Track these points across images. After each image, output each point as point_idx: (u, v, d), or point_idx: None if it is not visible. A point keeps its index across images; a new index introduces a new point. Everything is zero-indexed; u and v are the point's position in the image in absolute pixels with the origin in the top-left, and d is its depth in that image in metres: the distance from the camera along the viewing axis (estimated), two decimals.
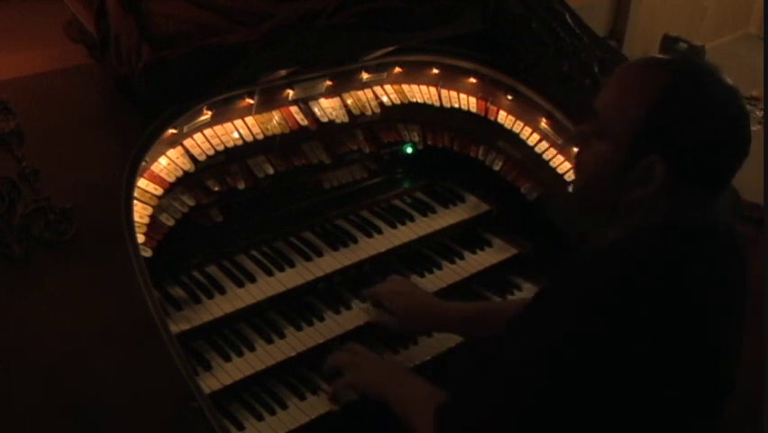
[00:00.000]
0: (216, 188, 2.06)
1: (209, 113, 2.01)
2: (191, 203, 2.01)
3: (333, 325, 2.07)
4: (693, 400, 1.48)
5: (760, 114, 6.00)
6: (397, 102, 2.38)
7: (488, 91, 2.48)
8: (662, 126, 1.46)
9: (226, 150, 2.05)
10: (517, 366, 1.46)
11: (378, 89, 2.36)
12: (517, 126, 2.45)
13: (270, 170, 2.15)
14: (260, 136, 2.10)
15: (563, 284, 1.51)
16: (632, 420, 1.43)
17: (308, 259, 2.16)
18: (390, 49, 2.30)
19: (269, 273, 2.09)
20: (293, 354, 1.97)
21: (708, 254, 1.50)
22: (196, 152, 2.00)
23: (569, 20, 2.60)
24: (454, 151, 2.51)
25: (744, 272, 1.57)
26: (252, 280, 2.06)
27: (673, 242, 1.47)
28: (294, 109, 2.19)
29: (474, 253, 2.41)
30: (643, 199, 1.48)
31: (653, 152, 1.45)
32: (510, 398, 1.44)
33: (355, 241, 2.25)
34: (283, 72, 2.11)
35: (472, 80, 2.48)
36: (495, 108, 2.48)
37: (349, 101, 2.29)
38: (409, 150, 2.48)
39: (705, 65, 1.54)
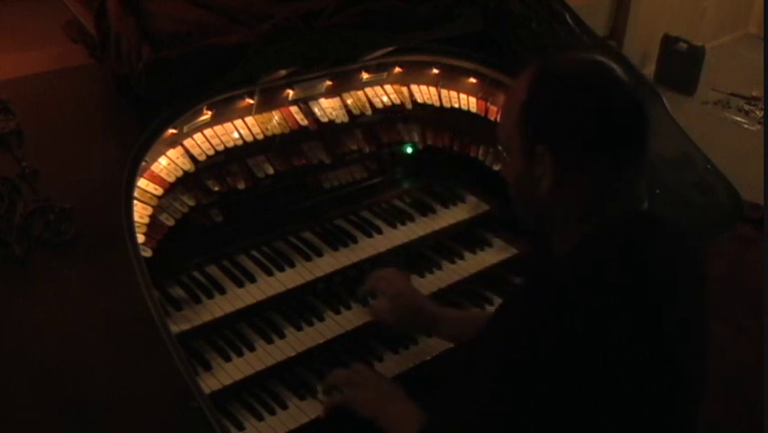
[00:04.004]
0: (216, 188, 2.06)
1: (209, 113, 2.01)
2: (191, 203, 2.01)
3: (333, 325, 2.07)
4: (663, 404, 1.46)
5: (760, 114, 6.01)
6: (397, 102, 2.39)
7: (488, 91, 2.48)
8: (535, 116, 1.49)
9: (226, 150, 2.05)
10: (486, 382, 1.45)
11: (378, 89, 2.36)
12: None
13: (270, 170, 2.15)
14: (260, 136, 2.10)
15: (524, 297, 1.51)
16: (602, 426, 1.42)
17: (308, 259, 2.16)
18: (390, 49, 2.30)
19: (269, 273, 2.09)
20: (293, 354, 1.97)
21: (658, 251, 1.50)
22: (196, 151, 2.00)
23: (569, 20, 2.60)
24: (454, 151, 2.51)
25: (695, 262, 1.57)
26: (252, 280, 2.06)
27: (624, 244, 1.46)
28: (294, 109, 2.19)
29: (474, 253, 2.41)
30: (551, 193, 1.49)
31: (537, 143, 1.48)
32: (484, 416, 1.43)
33: (355, 241, 2.25)
34: (283, 72, 2.11)
35: (472, 80, 2.48)
36: (495, 108, 2.48)
37: (349, 101, 2.29)
38: (409, 150, 2.48)
39: (577, 52, 1.57)
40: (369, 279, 2.08)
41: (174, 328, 1.84)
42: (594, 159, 1.48)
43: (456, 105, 2.47)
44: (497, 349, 1.46)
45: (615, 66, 1.51)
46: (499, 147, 1.61)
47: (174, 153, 1.98)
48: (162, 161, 1.95)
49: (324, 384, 1.91)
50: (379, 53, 2.29)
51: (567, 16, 2.61)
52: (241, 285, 2.05)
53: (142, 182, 1.90)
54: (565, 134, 1.47)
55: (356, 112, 2.29)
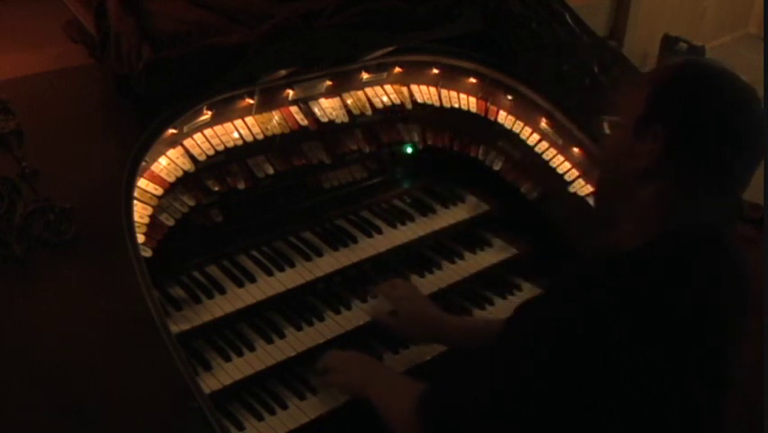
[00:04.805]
0: (216, 188, 2.06)
1: (209, 113, 2.01)
2: (191, 203, 2.01)
3: (333, 325, 2.07)
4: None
5: None
6: (397, 102, 2.39)
7: (488, 91, 2.48)
8: (666, 97, 1.50)
9: (226, 150, 2.05)
10: (510, 362, 1.47)
11: (378, 89, 2.36)
12: (517, 126, 2.45)
13: (270, 170, 2.15)
14: (260, 136, 2.10)
15: (567, 287, 1.51)
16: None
17: (308, 259, 2.16)
18: (390, 49, 2.30)
19: (269, 273, 2.09)
20: (293, 354, 1.97)
21: (710, 271, 1.49)
22: (196, 151, 2.00)
23: (569, 20, 2.60)
24: (454, 151, 2.51)
25: (743, 287, 1.57)
26: (252, 280, 2.06)
27: (679, 256, 1.47)
28: (294, 109, 2.19)
29: (474, 253, 2.41)
30: (645, 175, 1.49)
31: (656, 122, 1.48)
32: (498, 388, 1.46)
33: (355, 241, 2.25)
34: (283, 72, 2.11)
35: (472, 80, 2.48)
36: (495, 108, 2.48)
37: (349, 101, 2.29)
38: (409, 150, 2.48)
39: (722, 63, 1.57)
40: (386, 294, 2.10)
41: (174, 328, 1.84)
42: (702, 160, 1.47)
43: (456, 106, 2.47)
44: (519, 348, 1.47)
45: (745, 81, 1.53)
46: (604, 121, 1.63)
47: (174, 153, 1.98)
48: (162, 161, 1.96)
49: (317, 368, 1.94)
50: (379, 53, 2.29)
51: (567, 16, 2.61)
52: (241, 285, 2.05)
53: (142, 182, 1.90)
54: (686, 127, 1.47)
55: (356, 112, 2.29)
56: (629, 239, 1.52)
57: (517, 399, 1.43)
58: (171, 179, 1.95)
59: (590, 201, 2.37)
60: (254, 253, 2.16)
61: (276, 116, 2.15)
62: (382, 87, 2.37)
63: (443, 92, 2.47)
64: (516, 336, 1.50)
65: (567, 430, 1.43)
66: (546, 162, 2.42)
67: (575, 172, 2.41)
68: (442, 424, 1.56)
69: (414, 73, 2.43)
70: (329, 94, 2.26)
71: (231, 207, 2.12)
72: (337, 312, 2.10)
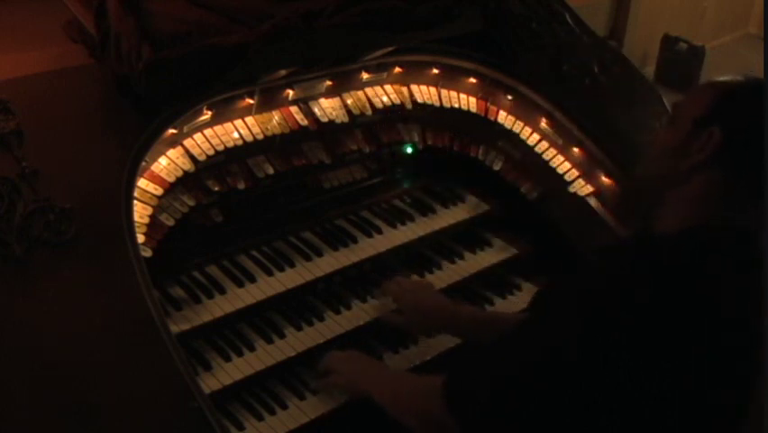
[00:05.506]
0: (216, 188, 2.06)
1: (209, 113, 2.01)
2: (191, 203, 2.01)
3: (333, 325, 2.07)
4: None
5: None
6: (397, 102, 2.39)
7: (488, 91, 2.48)
8: (726, 107, 1.54)
9: (226, 150, 2.05)
10: (535, 347, 1.51)
11: (378, 89, 2.36)
12: (517, 126, 2.45)
13: (270, 170, 2.15)
14: (260, 136, 2.10)
15: (595, 272, 1.54)
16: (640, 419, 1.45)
17: (308, 259, 2.16)
18: (390, 49, 2.30)
19: (269, 273, 2.09)
20: (293, 354, 1.97)
21: (734, 266, 1.51)
22: (196, 151, 2.00)
23: (569, 20, 2.60)
24: (454, 151, 2.51)
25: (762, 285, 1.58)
26: (252, 280, 2.06)
27: (708, 250, 1.50)
28: (294, 109, 2.19)
29: (474, 253, 2.41)
30: (693, 171, 1.52)
31: (715, 124, 1.52)
32: (521, 375, 1.48)
33: (355, 241, 2.25)
34: (283, 72, 2.11)
35: (472, 80, 2.48)
36: (495, 108, 2.48)
37: (349, 101, 2.29)
38: (409, 150, 2.48)
39: None
40: (388, 290, 2.12)
41: (174, 328, 1.84)
42: (751, 166, 1.50)
43: (456, 106, 2.47)
44: (562, 321, 1.50)
45: None
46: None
47: (174, 153, 1.98)
48: (162, 161, 1.96)
49: (318, 369, 1.94)
50: (379, 53, 2.29)
51: (567, 16, 2.61)
52: (241, 285, 2.05)
53: (142, 182, 1.90)
54: (743, 133, 1.51)
55: (356, 112, 2.29)
56: (663, 225, 1.56)
57: (543, 382, 1.46)
58: (171, 179, 1.95)
59: (591, 201, 2.38)
60: (254, 253, 2.16)
61: (276, 116, 2.15)
62: (382, 87, 2.37)
63: (443, 92, 2.47)
64: (536, 322, 1.55)
65: (575, 427, 1.45)
66: (546, 162, 2.42)
67: (575, 172, 2.41)
68: (479, 410, 1.56)
69: (414, 73, 2.43)
70: (329, 94, 2.26)
71: (231, 207, 2.12)
72: (337, 312, 2.10)
